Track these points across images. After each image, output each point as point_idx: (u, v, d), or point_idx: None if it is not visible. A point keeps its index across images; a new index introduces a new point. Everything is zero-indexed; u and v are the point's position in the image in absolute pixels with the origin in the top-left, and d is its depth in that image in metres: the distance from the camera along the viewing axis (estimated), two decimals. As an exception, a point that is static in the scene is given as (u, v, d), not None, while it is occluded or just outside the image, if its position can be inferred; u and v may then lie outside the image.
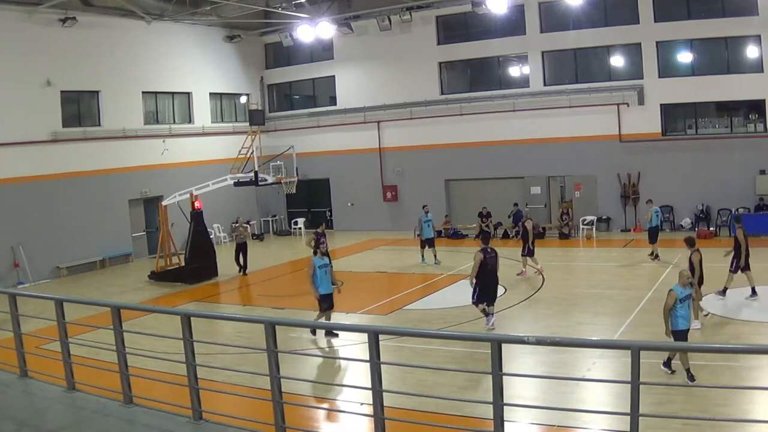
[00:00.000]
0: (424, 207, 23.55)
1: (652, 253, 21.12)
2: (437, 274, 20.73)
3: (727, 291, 15.80)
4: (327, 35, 30.19)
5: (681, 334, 10.82)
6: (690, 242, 14.39)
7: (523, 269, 20.25)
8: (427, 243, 22.73)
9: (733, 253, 15.97)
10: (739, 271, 15.84)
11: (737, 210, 24.89)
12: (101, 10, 25.87)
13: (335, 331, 14.52)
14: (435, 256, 22.83)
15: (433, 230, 23.14)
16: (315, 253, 15.09)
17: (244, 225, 24.25)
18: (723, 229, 24.98)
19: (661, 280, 18.26)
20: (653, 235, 21.30)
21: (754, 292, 15.69)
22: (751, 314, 13.80)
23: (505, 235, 27.86)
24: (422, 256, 22.94)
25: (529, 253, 20.17)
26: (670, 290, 10.92)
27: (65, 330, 8.41)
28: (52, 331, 9.04)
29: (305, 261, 25.05)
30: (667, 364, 11.15)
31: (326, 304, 14.66)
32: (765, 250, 21.78)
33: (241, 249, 23.41)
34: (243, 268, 23.33)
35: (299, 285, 22.20)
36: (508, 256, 22.71)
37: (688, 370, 10.68)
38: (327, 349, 14.29)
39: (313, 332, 14.65)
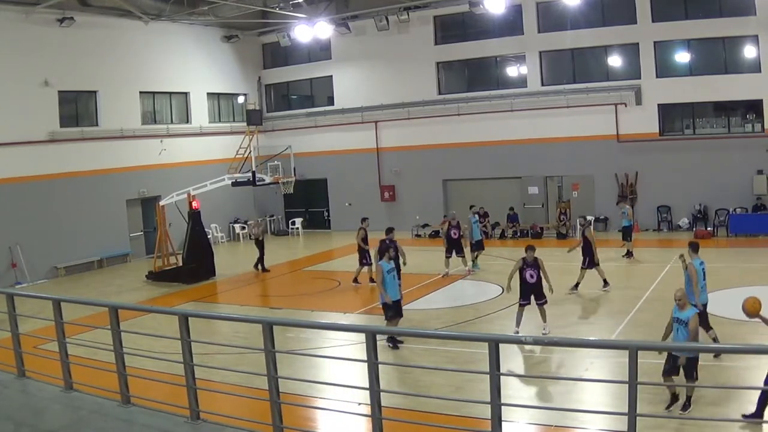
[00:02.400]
0: (471, 207, 22.55)
1: (628, 253, 21.72)
2: (434, 274, 20.71)
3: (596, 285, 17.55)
4: (324, 35, 30.19)
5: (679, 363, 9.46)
6: (531, 249, 14.72)
7: (468, 268, 20.70)
8: (476, 246, 21.55)
9: (580, 251, 17.76)
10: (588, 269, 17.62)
11: (734, 210, 24.95)
12: (99, 10, 25.84)
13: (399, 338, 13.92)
14: (475, 260, 21.58)
15: (481, 232, 22.15)
16: (382, 257, 14.58)
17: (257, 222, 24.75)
18: (720, 229, 25.04)
19: (659, 280, 18.29)
20: (630, 233, 21.80)
21: (606, 283, 17.51)
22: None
23: (503, 235, 27.89)
24: (473, 261, 21.50)
25: (460, 252, 20.64)
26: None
27: (63, 330, 8.40)
28: (50, 331, 9.02)
29: (304, 261, 25.22)
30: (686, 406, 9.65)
31: (393, 311, 14.11)
32: (764, 250, 21.87)
33: (259, 246, 23.59)
34: (260, 265, 23.58)
35: (297, 285, 22.24)
36: (508, 257, 22.74)
37: (689, 398, 9.67)
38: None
39: (391, 341, 13.85)
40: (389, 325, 14.13)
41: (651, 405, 9.55)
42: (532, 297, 14.16)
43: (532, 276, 14.09)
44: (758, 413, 8.82)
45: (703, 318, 11.54)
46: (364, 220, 20.85)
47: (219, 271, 23.18)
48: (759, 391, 8.99)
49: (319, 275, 22.77)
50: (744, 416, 8.93)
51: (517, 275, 14.35)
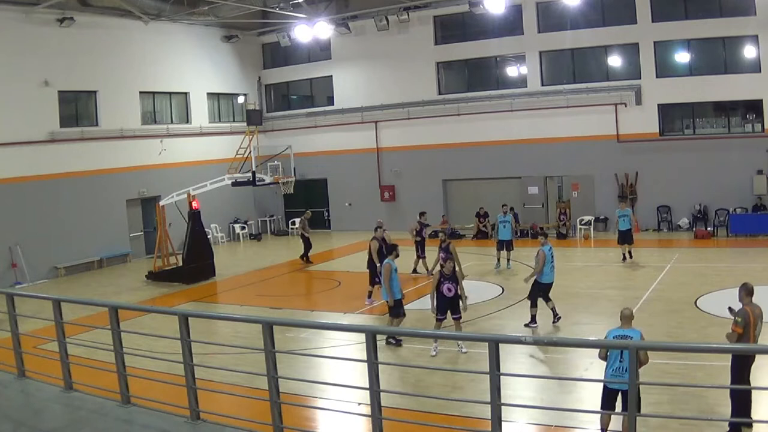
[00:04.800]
0: (503, 206, 22.13)
1: (629, 254, 21.29)
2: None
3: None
4: (324, 35, 30.18)
5: (606, 395, 8.63)
6: (449, 260, 14.34)
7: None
8: (504, 245, 21.38)
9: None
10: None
11: (734, 210, 24.95)
12: (99, 10, 25.83)
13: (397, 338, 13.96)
14: (509, 260, 21.39)
15: (512, 231, 21.79)
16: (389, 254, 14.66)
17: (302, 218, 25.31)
18: (720, 229, 25.03)
19: (658, 280, 18.29)
20: (631, 236, 21.17)
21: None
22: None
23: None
24: (497, 260, 21.43)
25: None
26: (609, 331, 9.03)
27: (63, 330, 8.40)
28: (50, 331, 9.03)
29: (304, 261, 25.17)
30: None
31: (400, 308, 14.16)
32: (764, 250, 21.88)
33: (304, 239, 24.50)
34: (304, 257, 24.42)
35: (297, 285, 22.25)
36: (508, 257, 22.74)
37: None
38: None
39: (392, 339, 13.86)
40: (395, 323, 14.12)
41: (651, 405, 9.54)
42: (449, 312, 13.42)
43: (450, 290, 13.24)
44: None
45: (545, 293, 14.80)
46: (422, 214, 22.06)
47: (219, 271, 23.18)
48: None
49: (319, 275, 22.78)
50: None
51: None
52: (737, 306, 9.00)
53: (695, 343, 12.07)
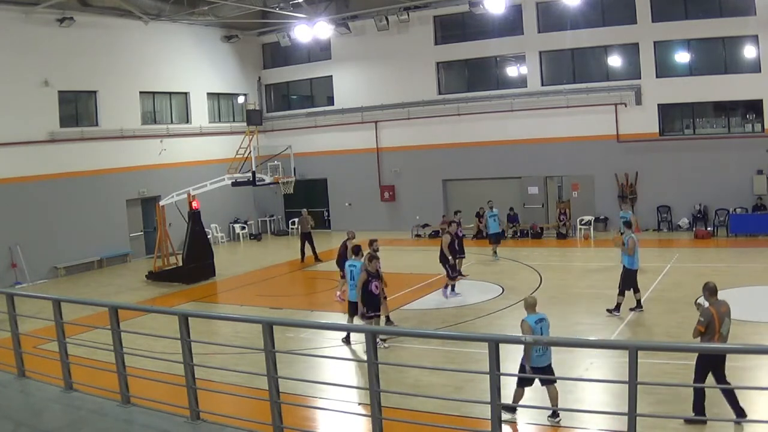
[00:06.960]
0: (488, 202, 23.46)
1: None
2: (434, 274, 20.67)
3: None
4: (324, 35, 30.18)
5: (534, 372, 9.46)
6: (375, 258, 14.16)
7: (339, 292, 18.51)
8: (493, 238, 22.81)
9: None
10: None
11: (734, 210, 24.93)
12: (99, 10, 25.84)
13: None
14: (495, 252, 22.82)
15: (500, 225, 23.15)
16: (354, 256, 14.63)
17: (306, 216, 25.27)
18: (720, 229, 25.03)
19: (658, 280, 18.29)
20: None
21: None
22: (749, 314, 13.80)
23: (503, 235, 27.83)
24: (494, 252, 22.89)
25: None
26: (523, 321, 9.93)
27: (63, 330, 8.40)
28: (50, 331, 9.03)
29: (304, 261, 25.17)
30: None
31: (354, 309, 14.05)
32: (764, 250, 21.88)
33: (306, 238, 24.59)
34: (314, 256, 24.54)
35: (297, 285, 22.25)
36: (508, 257, 22.75)
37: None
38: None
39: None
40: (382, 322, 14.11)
41: (651, 405, 9.55)
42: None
43: (377, 287, 13.58)
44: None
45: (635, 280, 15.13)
46: (456, 213, 21.56)
47: (219, 271, 23.18)
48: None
49: (319, 275, 22.78)
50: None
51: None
52: (706, 303, 9.27)
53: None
